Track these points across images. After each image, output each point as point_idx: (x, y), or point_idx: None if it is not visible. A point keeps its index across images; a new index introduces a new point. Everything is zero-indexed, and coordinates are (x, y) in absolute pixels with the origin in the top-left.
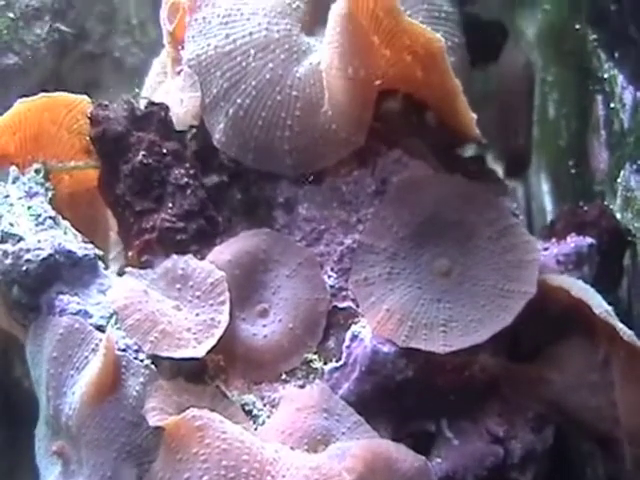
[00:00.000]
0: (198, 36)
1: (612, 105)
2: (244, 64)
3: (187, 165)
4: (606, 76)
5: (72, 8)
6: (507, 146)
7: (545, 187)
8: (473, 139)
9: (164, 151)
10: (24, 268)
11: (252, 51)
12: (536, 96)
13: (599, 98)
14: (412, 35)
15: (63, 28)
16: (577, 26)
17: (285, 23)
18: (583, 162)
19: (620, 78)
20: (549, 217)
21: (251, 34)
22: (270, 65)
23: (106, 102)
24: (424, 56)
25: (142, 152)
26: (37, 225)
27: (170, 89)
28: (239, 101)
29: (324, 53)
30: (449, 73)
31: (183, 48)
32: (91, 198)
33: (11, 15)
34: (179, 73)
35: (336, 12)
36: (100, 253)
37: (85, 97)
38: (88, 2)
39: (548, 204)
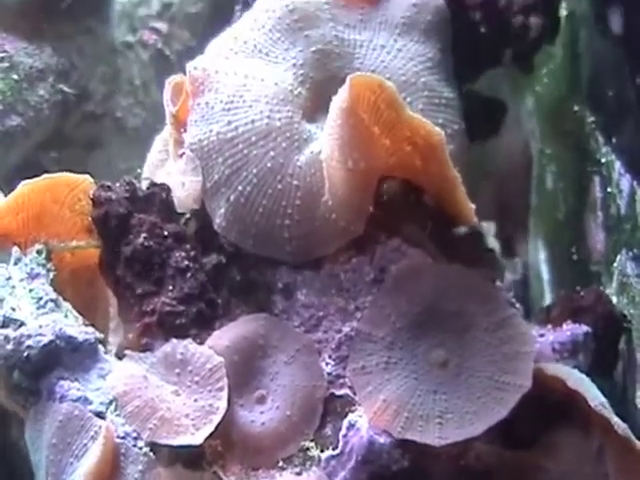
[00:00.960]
0: (201, 121)
1: (609, 190)
2: (246, 152)
3: (187, 247)
4: (603, 160)
5: (75, 69)
6: (505, 227)
7: (542, 255)
8: (471, 226)
9: (165, 233)
10: (25, 354)
11: (254, 139)
12: (534, 164)
13: (596, 179)
14: (412, 127)
15: (66, 89)
16: (576, 108)
17: (287, 110)
18: (580, 239)
19: (617, 165)
20: (545, 286)
21: (253, 122)
22: (271, 153)
23: (108, 183)
24: (424, 147)
25: (143, 234)
26: (38, 309)
27: (172, 171)
28: (240, 188)
29: (324, 144)
30: (448, 164)
31: (185, 130)
32: (92, 275)
33: (15, 76)
34: (181, 156)
35: (337, 105)
36: (100, 336)
37: (87, 177)
38: (91, 63)
39: (545, 273)
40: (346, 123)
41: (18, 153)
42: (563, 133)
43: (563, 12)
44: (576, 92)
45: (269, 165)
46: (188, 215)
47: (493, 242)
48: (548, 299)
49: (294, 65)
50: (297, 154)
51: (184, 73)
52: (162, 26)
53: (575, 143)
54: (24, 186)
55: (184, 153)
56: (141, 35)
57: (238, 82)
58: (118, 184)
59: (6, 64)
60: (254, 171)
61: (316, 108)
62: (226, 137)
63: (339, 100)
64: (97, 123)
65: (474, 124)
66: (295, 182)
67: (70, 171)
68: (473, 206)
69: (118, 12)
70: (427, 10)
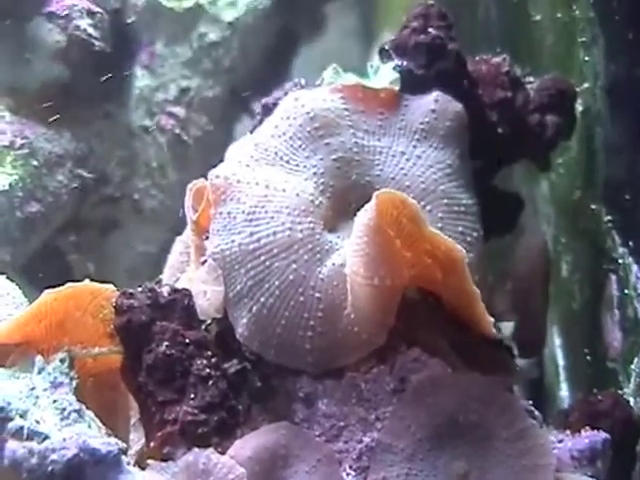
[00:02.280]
0: (223, 231)
1: (626, 291)
2: (268, 263)
3: (209, 353)
4: (620, 261)
5: (93, 153)
6: (522, 329)
7: (557, 341)
8: (489, 338)
9: (187, 341)
10: (50, 468)
11: (276, 251)
12: (550, 248)
13: (613, 277)
14: (433, 242)
15: (84, 174)
16: (592, 206)
17: (308, 222)
18: (596, 333)
19: (635, 268)
20: (561, 371)
21: (275, 233)
22: (293, 266)
23: (131, 290)
24: (444, 261)
25: (165, 343)
26: (62, 420)
27: (194, 278)
28: (262, 300)
29: (349, 259)
30: (468, 280)
31: (207, 237)
32: (113, 379)
33: (34, 163)
34: (203, 263)
35: (362, 222)
36: (123, 446)
37: (110, 285)
38: (109, 147)
39: (560, 359)
40: (372, 240)
41: (37, 239)
42: (579, 230)
43: (579, 108)
44: (591, 188)
45: (291, 278)
46: (209, 320)
47: (510, 342)
48: (564, 388)
49: (315, 174)
50: (319, 266)
51: (201, 157)
52: (179, 111)
53: (591, 240)
54: (48, 294)
55: (206, 261)
56: (159, 119)
57: (260, 192)
58: (140, 290)
59: (26, 150)
60: (276, 283)
61: (337, 216)
62: (248, 248)
63: (365, 217)
64: (115, 205)
65: (491, 219)
66: (317, 294)
67: (88, 254)
68: (491, 319)
69: (136, 96)
70: (446, 116)
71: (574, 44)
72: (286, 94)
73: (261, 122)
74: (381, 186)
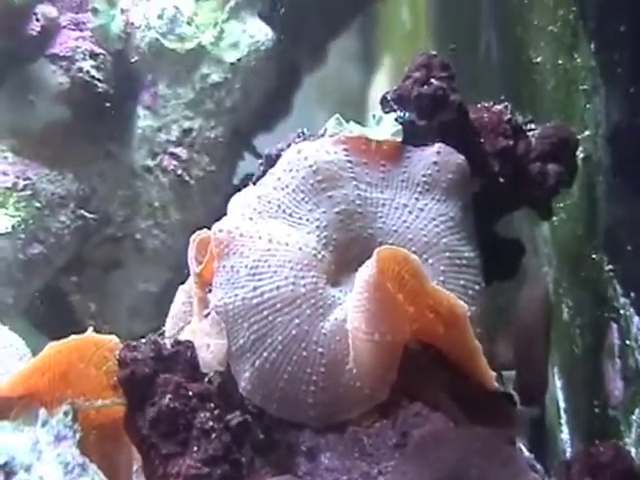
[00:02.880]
0: (226, 284)
1: (628, 342)
2: (271, 318)
3: (212, 405)
4: (622, 312)
5: (95, 193)
6: (524, 378)
7: (559, 383)
8: (490, 391)
9: (190, 394)
10: None
11: (279, 305)
12: (550, 290)
13: (614, 326)
14: (435, 298)
15: (87, 214)
16: (593, 255)
17: (311, 276)
18: (597, 380)
19: (636, 320)
20: (562, 413)
21: (278, 288)
22: (296, 321)
23: (134, 343)
24: (446, 316)
25: (169, 396)
26: (65, 474)
27: (196, 330)
28: (265, 354)
29: (350, 315)
30: (470, 335)
31: (210, 290)
32: (116, 430)
33: (37, 204)
34: (206, 316)
35: (364, 278)
36: None
37: (113, 337)
38: (111, 187)
39: (561, 401)
40: (373, 297)
41: (39, 280)
42: (580, 278)
43: (580, 155)
44: (593, 237)
45: (294, 332)
46: (212, 372)
47: (512, 392)
48: (565, 431)
49: (318, 227)
50: (321, 321)
51: (203, 197)
52: (181, 152)
53: (592, 288)
54: (51, 347)
55: (209, 314)
56: (161, 160)
57: (263, 246)
58: (143, 342)
59: (28, 192)
60: (279, 338)
61: (339, 270)
62: (251, 303)
63: (366, 273)
64: (117, 245)
65: (492, 265)
66: (320, 349)
67: (90, 294)
68: (493, 373)
69: (138, 136)
70: (448, 168)
71: (575, 91)
72: (289, 146)
73: (264, 173)
74: (383, 239)
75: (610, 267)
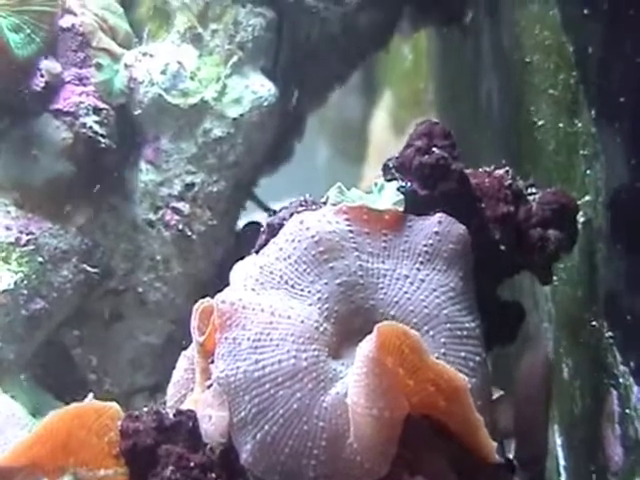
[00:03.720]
0: (228, 356)
1: (627, 411)
2: (272, 392)
3: (213, 476)
4: (621, 380)
5: (98, 247)
6: (523, 446)
7: (559, 440)
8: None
9: (192, 464)
10: None
11: (280, 379)
12: (550, 347)
13: (614, 392)
14: (436, 371)
15: (89, 269)
16: (593, 322)
17: (313, 349)
18: (597, 444)
19: (636, 389)
20: (562, 470)
21: (280, 362)
22: (298, 394)
23: (136, 413)
24: (447, 390)
25: (170, 467)
26: None
27: (199, 401)
28: (267, 427)
29: (350, 389)
30: (471, 408)
31: (212, 361)
32: None
33: (40, 259)
34: (208, 387)
35: (364, 353)
36: None
37: (114, 404)
38: (114, 240)
39: (561, 459)
40: (372, 372)
41: (41, 335)
42: (580, 342)
43: (580, 219)
44: (593, 302)
45: (295, 406)
46: (214, 443)
47: (511, 460)
48: None
49: (319, 299)
50: (323, 395)
51: (205, 250)
52: (184, 206)
53: (592, 353)
54: (53, 416)
55: (211, 385)
56: (163, 214)
57: (265, 319)
58: (146, 411)
59: (31, 247)
60: (280, 412)
61: (341, 342)
62: (253, 376)
63: (366, 348)
64: (118, 298)
65: (492, 330)
66: (321, 424)
67: (91, 347)
68: (494, 444)
69: (140, 190)
70: (449, 239)
71: (576, 154)
72: (291, 215)
73: (266, 242)
74: (385, 310)
75: (610, 334)
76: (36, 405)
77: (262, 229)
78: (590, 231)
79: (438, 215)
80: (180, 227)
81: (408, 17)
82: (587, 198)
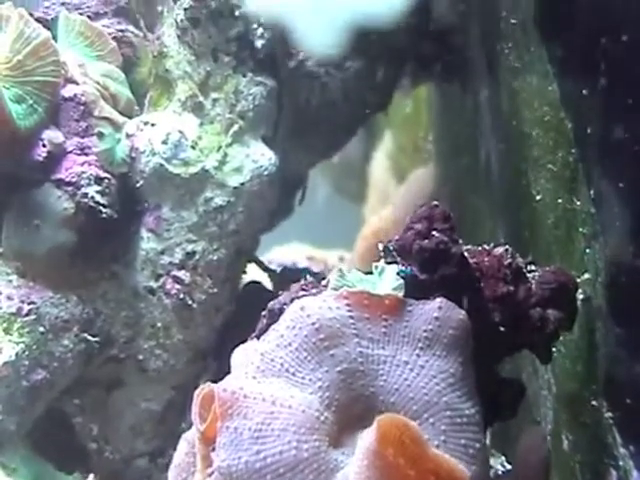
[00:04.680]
0: (229, 446)
1: None
2: None
3: None
4: (621, 463)
5: (99, 315)
6: None
7: None
8: None
9: None
10: None
11: (282, 470)
12: (549, 418)
13: (614, 473)
14: (436, 462)
15: (90, 338)
16: (594, 402)
17: (314, 440)
18: None
19: (635, 474)
20: None
21: (281, 452)
22: None
23: None
24: (447, 479)
25: None
26: None
27: None
28: None
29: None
30: None
31: (213, 449)
32: None
33: (41, 329)
34: (210, 475)
35: (364, 446)
36: None
37: None
38: (115, 308)
39: None
40: (373, 465)
41: (42, 405)
42: (579, 419)
43: (580, 296)
44: (592, 381)
45: None
46: None
47: None
48: None
49: (320, 387)
50: None
51: (205, 318)
52: (184, 275)
53: (592, 431)
54: None
55: (213, 472)
56: (164, 282)
57: (266, 409)
58: None
59: (33, 317)
60: None
61: (342, 431)
62: (255, 467)
63: (366, 441)
64: (119, 365)
65: (491, 407)
66: None
67: (92, 415)
68: None
69: (141, 258)
70: (449, 324)
71: (575, 231)
72: (292, 300)
73: (267, 327)
74: (385, 397)
75: (610, 415)
76: (36, 476)
77: (263, 313)
78: (589, 308)
79: (438, 300)
80: (181, 296)
81: (408, 74)
82: (586, 276)
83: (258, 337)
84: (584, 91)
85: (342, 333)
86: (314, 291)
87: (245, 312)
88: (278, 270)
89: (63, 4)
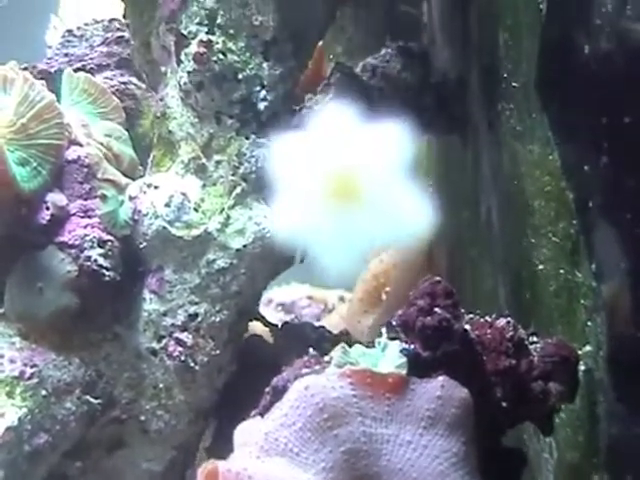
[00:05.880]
0: None
1: None
2: None
3: None
4: None
5: (101, 377)
6: None
7: None
8: None
9: None
10: None
11: None
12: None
13: None
14: None
15: (92, 400)
16: (595, 477)
17: None
18: None
19: None
20: None
21: None
22: None
23: None
24: None
25: None
26: None
27: None
28: None
29: None
30: None
31: None
32: None
33: (43, 392)
34: None
35: None
36: None
37: None
38: (117, 369)
39: None
40: None
41: (44, 468)
42: None
43: (581, 367)
44: (593, 453)
45: None
46: None
47: None
48: None
49: (324, 469)
50: None
51: (207, 379)
52: (187, 337)
53: None
54: None
55: None
56: (166, 344)
57: None
58: None
59: (35, 380)
60: None
61: None
62: None
63: None
64: (121, 426)
65: (492, 477)
66: None
67: (93, 476)
68: None
69: (144, 319)
70: (451, 403)
71: (577, 302)
72: (295, 377)
73: (271, 404)
74: (388, 478)
75: None
76: None
77: (267, 390)
78: (591, 380)
79: (440, 379)
80: (183, 358)
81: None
82: (588, 348)
83: (262, 414)
84: (585, 167)
85: (346, 412)
86: (317, 368)
87: (246, 367)
88: (280, 325)
89: (66, 55)
